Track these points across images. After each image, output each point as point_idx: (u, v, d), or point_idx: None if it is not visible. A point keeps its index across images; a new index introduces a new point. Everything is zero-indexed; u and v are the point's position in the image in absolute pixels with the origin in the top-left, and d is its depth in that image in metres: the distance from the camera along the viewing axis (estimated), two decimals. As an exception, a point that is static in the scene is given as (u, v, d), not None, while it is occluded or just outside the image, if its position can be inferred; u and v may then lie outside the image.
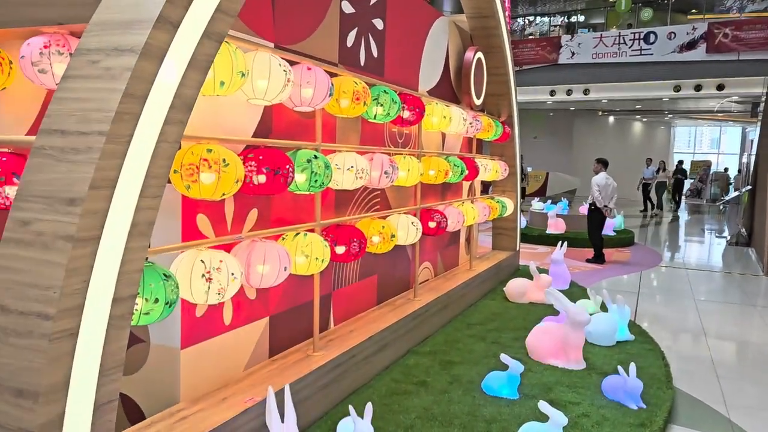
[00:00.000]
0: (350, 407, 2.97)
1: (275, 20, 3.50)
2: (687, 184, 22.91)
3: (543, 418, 3.20)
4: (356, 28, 4.43)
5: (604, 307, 6.03)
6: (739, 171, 22.10)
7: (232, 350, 3.39)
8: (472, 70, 6.71)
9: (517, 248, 8.63)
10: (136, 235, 2.04)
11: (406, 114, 4.60)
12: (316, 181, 3.40)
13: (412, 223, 4.81)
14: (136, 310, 2.29)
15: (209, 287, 2.70)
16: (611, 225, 11.80)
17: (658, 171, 19.26)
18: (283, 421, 2.72)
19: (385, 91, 4.20)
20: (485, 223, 8.39)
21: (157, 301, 2.34)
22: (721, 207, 20.47)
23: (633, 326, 5.63)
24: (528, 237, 11.68)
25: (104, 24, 2.09)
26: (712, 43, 16.02)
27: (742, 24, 15.91)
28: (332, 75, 3.73)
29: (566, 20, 22.14)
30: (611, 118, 26.66)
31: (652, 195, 19.21)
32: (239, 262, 2.94)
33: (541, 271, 7.23)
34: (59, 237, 1.86)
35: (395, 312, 4.85)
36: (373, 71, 4.69)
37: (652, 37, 16.88)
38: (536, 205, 13.85)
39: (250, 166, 2.95)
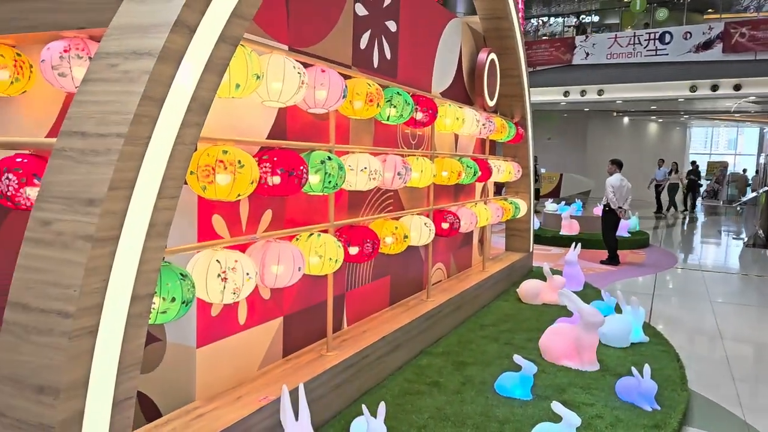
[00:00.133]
0: (363, 406, 2.99)
1: (290, 23, 3.54)
2: (703, 185, 22.66)
3: (556, 418, 3.20)
4: (369, 31, 4.46)
5: (618, 309, 5.99)
6: (757, 172, 21.84)
7: (247, 349, 3.42)
8: (485, 72, 6.71)
9: (531, 250, 8.60)
10: (153, 235, 2.08)
11: (419, 115, 4.62)
12: (329, 182, 3.43)
13: (425, 224, 4.82)
14: (154, 308, 2.33)
15: (224, 287, 2.74)
16: (626, 226, 11.72)
17: (670, 172, 19.05)
18: (297, 420, 2.74)
19: (398, 92, 4.22)
20: (498, 224, 8.38)
21: (173, 300, 2.38)
22: (738, 208, 20.23)
23: (648, 328, 5.60)
24: (541, 238, 11.63)
25: (123, 28, 2.13)
26: (729, 42, 15.85)
27: (759, 23, 15.72)
28: (346, 77, 3.76)
29: (578, 21, 22.02)
30: (626, 119, 26.44)
31: (664, 197, 19.01)
32: (254, 262, 2.98)
33: (555, 272, 7.21)
34: (79, 237, 1.90)
35: (408, 313, 4.86)
36: (386, 73, 4.72)
37: (667, 37, 16.75)
38: (550, 206, 13.78)
39: (265, 167, 2.99)
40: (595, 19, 22.47)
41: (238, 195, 2.76)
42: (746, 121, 26.87)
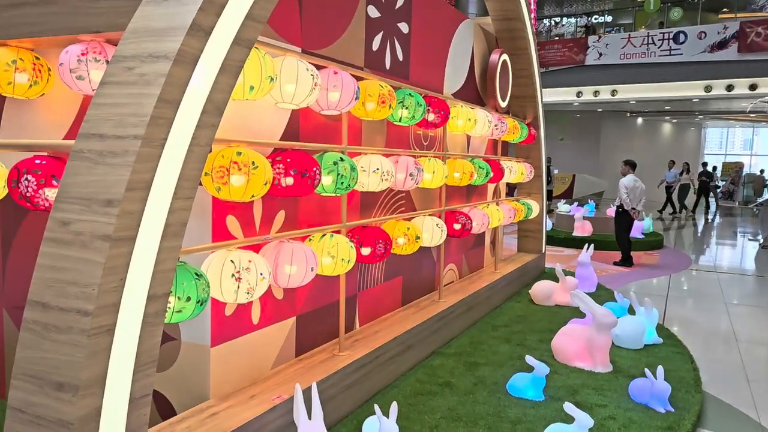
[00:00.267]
0: (376, 406, 3.01)
1: (303, 26, 3.57)
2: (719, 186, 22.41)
3: (568, 419, 3.20)
4: (382, 32, 4.48)
5: (631, 310, 5.96)
6: (773, 172, 21.59)
7: (260, 349, 3.45)
8: (498, 73, 6.71)
9: (543, 251, 8.58)
10: (169, 236, 2.11)
11: (431, 116, 4.63)
12: (342, 183, 3.45)
13: (437, 224, 4.83)
14: (169, 307, 2.36)
15: (238, 287, 2.77)
16: (639, 227, 11.64)
17: (681, 173, 18.84)
18: (310, 419, 2.77)
19: (410, 94, 4.24)
20: (510, 225, 8.36)
21: (189, 299, 2.41)
22: (755, 209, 20.00)
23: (661, 330, 5.57)
24: (554, 239, 11.59)
25: (139, 32, 2.17)
26: (744, 42, 15.72)
27: (775, 22, 15.59)
28: (358, 78, 3.79)
29: (590, 21, 21.90)
30: (639, 120, 26.24)
31: (674, 198, 18.80)
32: (267, 262, 3.01)
33: (568, 273, 7.18)
34: (97, 237, 1.94)
35: (420, 313, 4.87)
36: (398, 74, 4.74)
37: (681, 37, 16.64)
38: (562, 207, 13.72)
39: (278, 168, 3.02)
40: (609, 19, 22.35)
41: (252, 196, 2.79)
42: (762, 121, 26.56)
